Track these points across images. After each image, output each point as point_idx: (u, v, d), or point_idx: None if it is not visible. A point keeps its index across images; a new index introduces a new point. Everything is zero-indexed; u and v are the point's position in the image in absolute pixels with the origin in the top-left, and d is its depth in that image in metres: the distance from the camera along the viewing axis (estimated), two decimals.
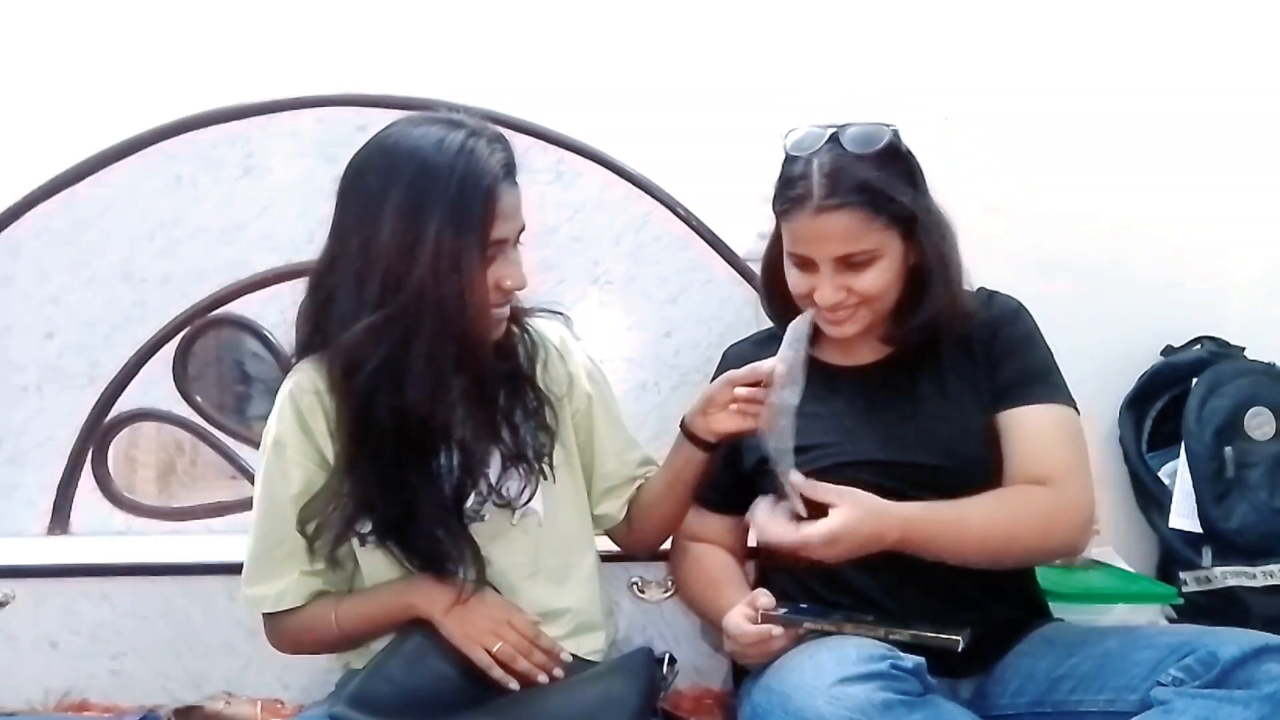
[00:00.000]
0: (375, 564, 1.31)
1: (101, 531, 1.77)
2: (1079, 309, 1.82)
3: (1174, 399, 1.90)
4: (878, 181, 1.30)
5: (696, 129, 1.83)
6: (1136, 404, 1.93)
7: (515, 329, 1.35)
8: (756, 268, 1.81)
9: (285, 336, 1.79)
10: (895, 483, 1.32)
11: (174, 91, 1.78)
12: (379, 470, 1.22)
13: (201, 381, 1.82)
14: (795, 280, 1.36)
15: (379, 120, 1.75)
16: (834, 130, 1.32)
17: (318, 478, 1.27)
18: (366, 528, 1.26)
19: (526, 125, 1.77)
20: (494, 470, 1.30)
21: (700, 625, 1.63)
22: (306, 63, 1.81)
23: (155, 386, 1.78)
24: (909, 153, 1.35)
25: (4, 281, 1.76)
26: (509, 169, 1.23)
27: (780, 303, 1.44)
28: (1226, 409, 1.84)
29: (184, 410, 1.79)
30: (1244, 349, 1.93)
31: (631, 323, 1.85)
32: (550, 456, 1.34)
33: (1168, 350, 1.94)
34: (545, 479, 1.33)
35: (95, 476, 1.77)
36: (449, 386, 1.21)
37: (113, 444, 1.79)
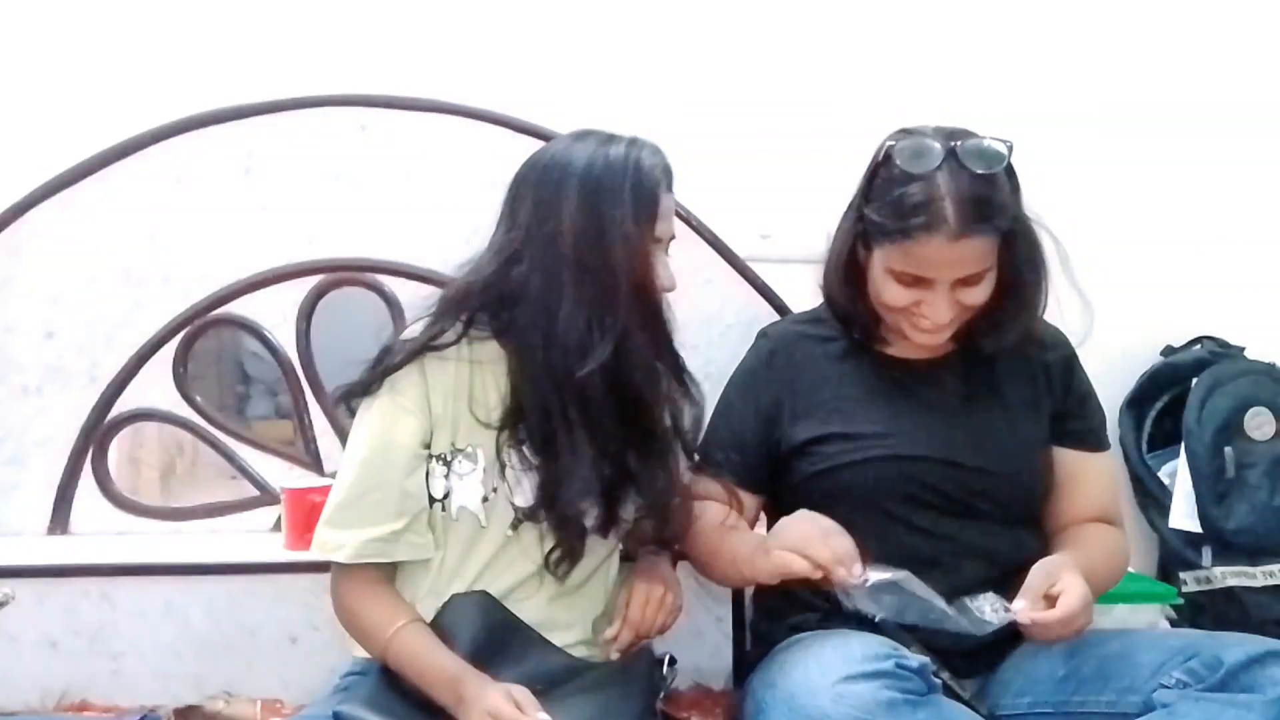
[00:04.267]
0: (476, 553, 1.31)
1: (102, 531, 1.76)
2: (1079, 309, 1.83)
3: (1174, 399, 1.91)
4: (1006, 205, 1.28)
5: (698, 129, 1.83)
6: (1136, 404, 1.93)
7: (679, 386, 1.40)
8: (758, 268, 1.83)
9: (285, 336, 1.79)
10: (942, 481, 1.34)
11: (174, 92, 1.78)
12: (583, 445, 1.27)
13: (202, 381, 1.82)
14: (897, 294, 1.32)
15: (379, 120, 1.79)
16: (950, 144, 1.27)
17: (425, 432, 1.30)
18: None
19: (527, 126, 1.76)
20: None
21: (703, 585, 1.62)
22: (307, 63, 1.81)
23: (155, 386, 1.78)
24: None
25: (4, 281, 1.76)
26: (668, 175, 1.33)
27: (857, 304, 1.41)
28: (1226, 409, 1.85)
29: (184, 410, 1.79)
30: (1244, 349, 1.93)
31: None
32: None
33: (1168, 350, 1.95)
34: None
35: (95, 476, 1.77)
36: (660, 372, 1.33)
37: (117, 445, 1.79)
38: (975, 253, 1.27)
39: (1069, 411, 1.43)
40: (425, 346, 1.29)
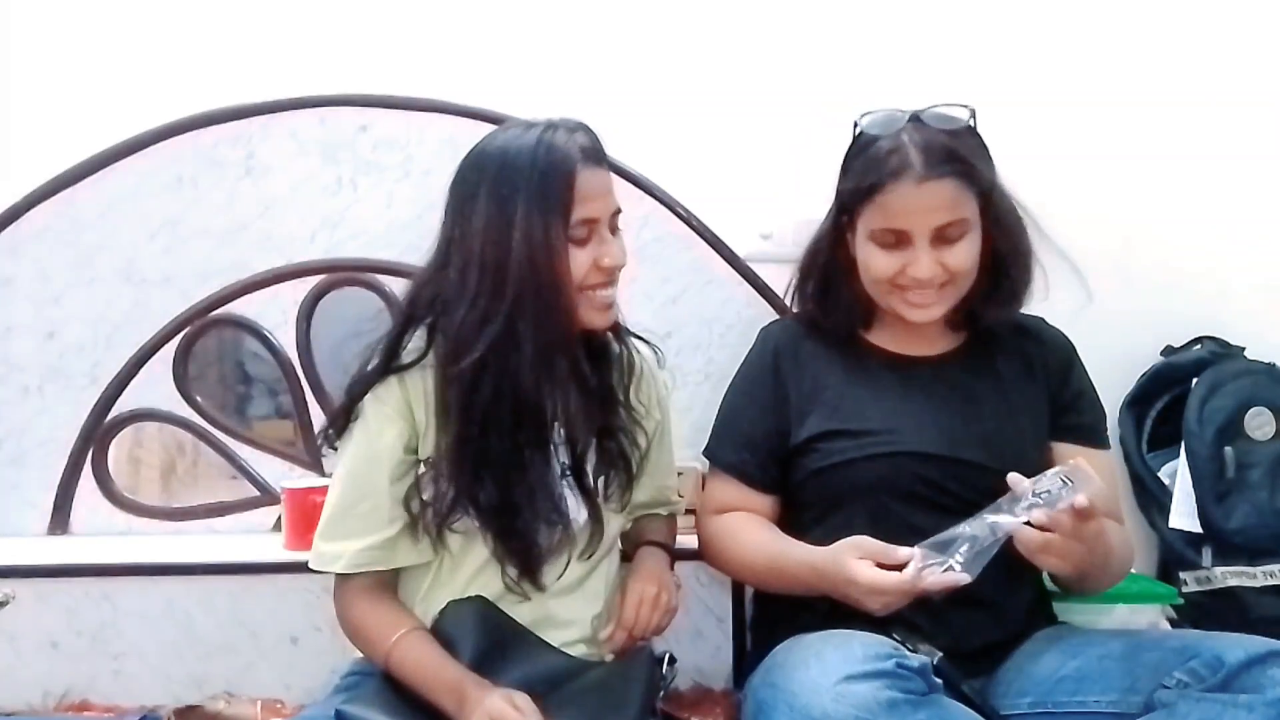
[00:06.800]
0: (471, 553, 1.30)
1: (102, 531, 1.77)
2: (1079, 309, 1.83)
3: (1174, 399, 1.90)
4: (972, 159, 1.32)
5: (697, 129, 1.83)
6: (1137, 404, 1.93)
7: (617, 343, 1.40)
8: (758, 268, 1.83)
9: (285, 337, 1.79)
10: (945, 479, 1.34)
11: (175, 91, 1.78)
12: (486, 455, 1.25)
13: (202, 381, 1.82)
14: (883, 262, 1.35)
15: (380, 120, 1.79)
16: (912, 112, 1.34)
17: (410, 437, 1.29)
18: (469, 514, 1.26)
19: None
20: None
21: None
22: (308, 63, 1.81)
23: (156, 386, 1.78)
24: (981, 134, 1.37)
25: (5, 282, 1.76)
26: (589, 152, 1.27)
27: (840, 293, 1.44)
28: (1227, 409, 1.84)
29: (184, 410, 1.79)
30: (1244, 349, 1.93)
31: (632, 323, 1.83)
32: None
33: (1168, 350, 1.94)
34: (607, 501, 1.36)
35: (96, 476, 1.77)
36: (555, 368, 1.25)
37: (117, 445, 1.79)
38: (944, 198, 1.31)
39: (1066, 406, 1.43)
40: (387, 371, 1.29)
